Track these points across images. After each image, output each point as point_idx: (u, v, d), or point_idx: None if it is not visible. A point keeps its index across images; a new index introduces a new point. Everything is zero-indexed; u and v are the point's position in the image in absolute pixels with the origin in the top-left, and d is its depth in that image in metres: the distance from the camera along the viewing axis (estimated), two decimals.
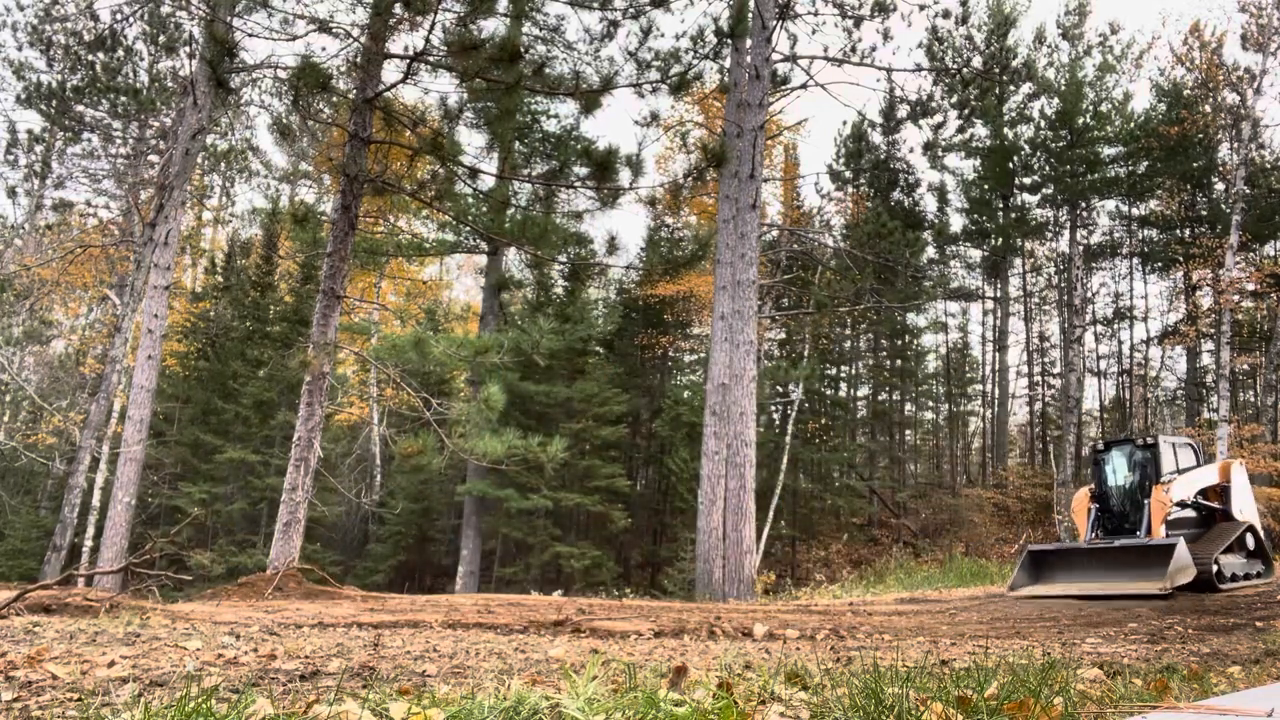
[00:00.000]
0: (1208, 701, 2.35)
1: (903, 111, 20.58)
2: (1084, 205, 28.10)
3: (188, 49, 18.98)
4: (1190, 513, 12.16)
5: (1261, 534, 12.31)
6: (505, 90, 9.77)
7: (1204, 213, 26.58)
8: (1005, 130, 27.60)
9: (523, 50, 9.62)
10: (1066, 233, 28.49)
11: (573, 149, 17.25)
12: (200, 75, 12.50)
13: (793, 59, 16.49)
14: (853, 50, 16.86)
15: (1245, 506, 12.37)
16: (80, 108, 21.23)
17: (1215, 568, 10.90)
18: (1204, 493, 12.40)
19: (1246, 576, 11.71)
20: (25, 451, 17.45)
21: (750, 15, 14.56)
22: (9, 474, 22.32)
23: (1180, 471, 12.05)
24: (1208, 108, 23.75)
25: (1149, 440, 12.14)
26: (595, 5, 12.04)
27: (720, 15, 15.72)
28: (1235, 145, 22.76)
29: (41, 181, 23.51)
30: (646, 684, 2.48)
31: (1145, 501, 11.42)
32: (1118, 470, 12.52)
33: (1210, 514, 12.39)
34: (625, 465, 25.02)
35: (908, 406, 30.56)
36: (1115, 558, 10.93)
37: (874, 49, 17.77)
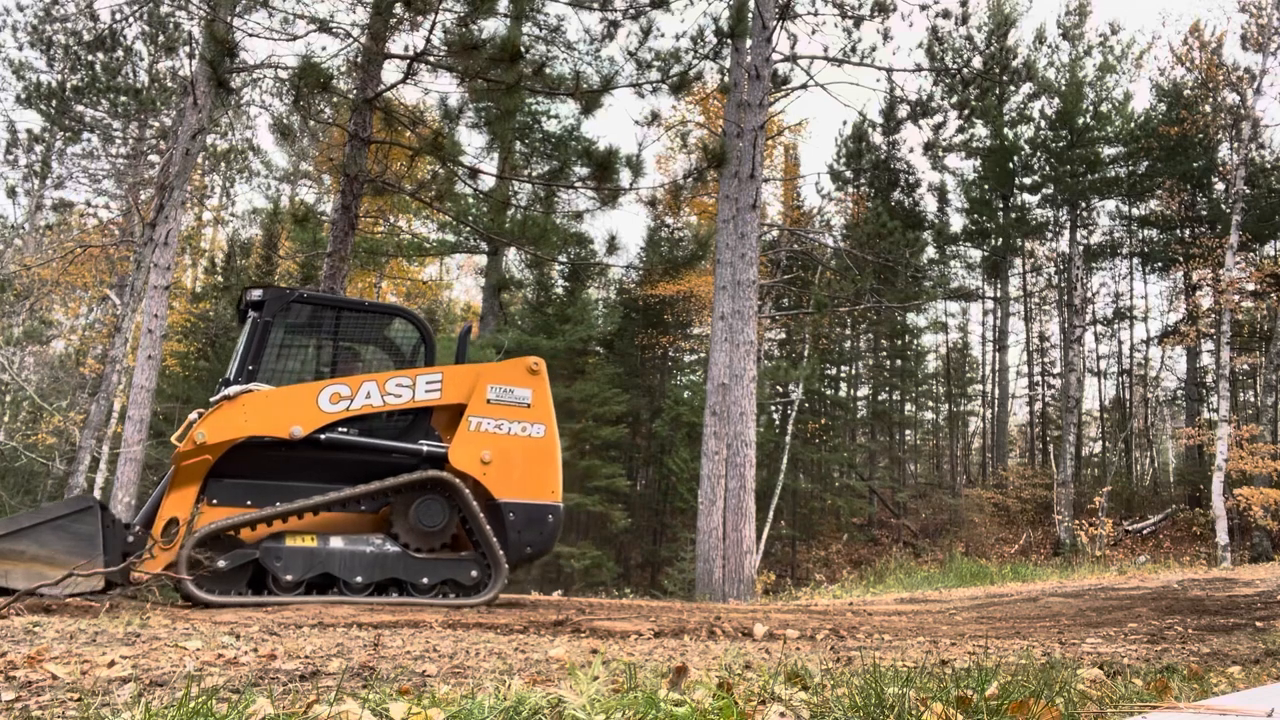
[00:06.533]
0: (1208, 701, 2.35)
1: (903, 111, 20.60)
2: (1084, 205, 28.10)
3: (188, 49, 18.97)
4: None
5: None
6: (505, 90, 9.77)
7: (1204, 213, 26.56)
8: (1005, 130, 27.59)
9: (523, 50, 9.62)
10: (1066, 233, 28.48)
11: (573, 149, 17.26)
12: (200, 75, 12.52)
13: (793, 59, 16.49)
14: (853, 50, 16.86)
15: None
16: (80, 108, 21.23)
17: None
18: None
19: None
20: (25, 451, 17.44)
21: (750, 15, 14.55)
22: (9, 474, 22.30)
23: None
24: (1208, 108, 23.73)
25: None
26: (595, 5, 12.04)
27: (720, 15, 15.71)
28: (1235, 145, 22.75)
29: (41, 181, 23.50)
30: (647, 684, 2.48)
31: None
32: None
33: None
34: (625, 465, 25.02)
35: (908, 406, 30.56)
36: None
37: (874, 49, 17.77)
